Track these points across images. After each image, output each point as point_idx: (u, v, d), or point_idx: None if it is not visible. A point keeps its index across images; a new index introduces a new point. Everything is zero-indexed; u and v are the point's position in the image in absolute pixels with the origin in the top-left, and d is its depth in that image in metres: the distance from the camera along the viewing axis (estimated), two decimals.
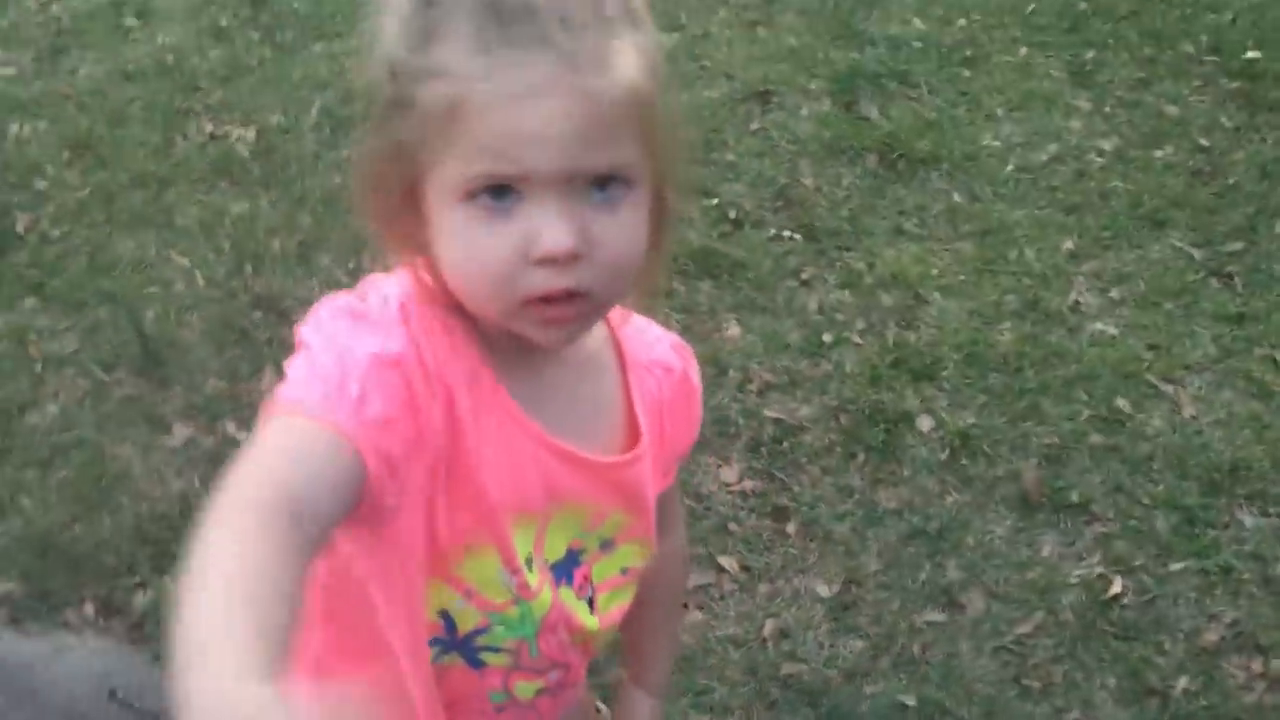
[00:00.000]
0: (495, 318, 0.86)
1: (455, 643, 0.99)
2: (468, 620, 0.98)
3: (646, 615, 1.16)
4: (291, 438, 0.79)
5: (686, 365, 1.08)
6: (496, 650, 1.00)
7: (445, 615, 0.98)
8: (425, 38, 0.81)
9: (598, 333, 1.00)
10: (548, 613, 1.00)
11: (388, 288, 0.90)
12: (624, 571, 1.07)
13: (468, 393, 0.89)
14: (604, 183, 0.82)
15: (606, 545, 1.04)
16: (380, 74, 0.84)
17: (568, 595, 1.02)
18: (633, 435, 1.01)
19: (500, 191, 0.80)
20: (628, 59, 0.81)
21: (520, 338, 0.89)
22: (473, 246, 0.82)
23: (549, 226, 0.80)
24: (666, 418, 1.05)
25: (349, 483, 0.79)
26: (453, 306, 0.89)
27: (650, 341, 1.06)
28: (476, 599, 0.97)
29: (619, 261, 0.84)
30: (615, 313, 1.00)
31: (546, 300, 0.83)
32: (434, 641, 0.99)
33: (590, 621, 1.04)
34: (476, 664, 1.01)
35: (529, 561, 0.97)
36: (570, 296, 0.83)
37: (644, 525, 1.05)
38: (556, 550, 0.99)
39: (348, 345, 0.84)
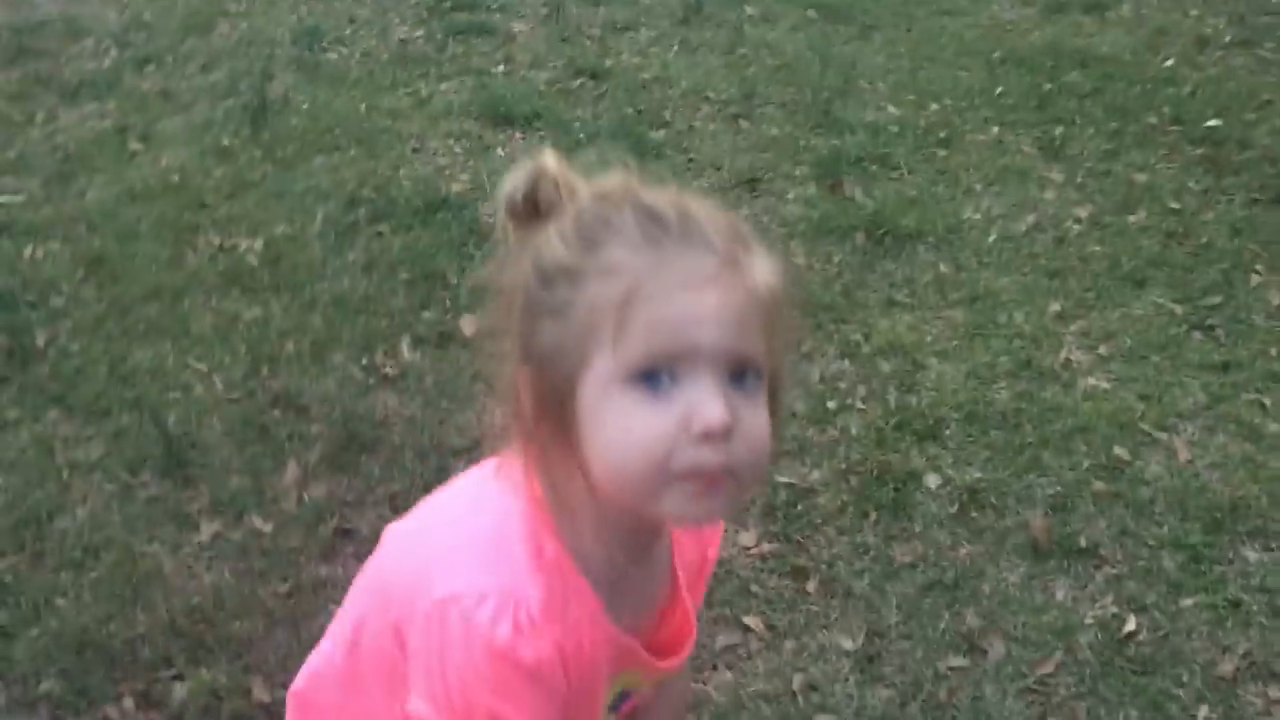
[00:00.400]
0: (642, 498, 0.92)
1: None
2: None
3: None
4: None
5: (712, 538, 1.18)
6: None
7: None
8: (591, 244, 0.91)
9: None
10: None
11: (523, 579, 0.96)
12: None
13: (590, 638, 1.00)
14: (742, 374, 0.91)
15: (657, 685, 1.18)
16: (526, 285, 0.94)
17: None
18: (674, 599, 1.13)
19: (656, 378, 0.89)
20: (768, 267, 0.94)
21: (636, 539, 0.99)
22: (635, 425, 0.89)
23: (709, 401, 0.88)
24: (688, 579, 1.15)
25: None
26: (566, 527, 0.98)
27: None
28: None
29: (758, 446, 0.92)
30: None
31: (699, 476, 0.90)
32: None
33: None
34: None
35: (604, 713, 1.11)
36: (721, 474, 0.90)
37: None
38: (614, 692, 1.11)
39: (500, 711, 0.97)
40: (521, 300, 0.94)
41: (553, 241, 0.93)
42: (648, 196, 0.94)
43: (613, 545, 0.99)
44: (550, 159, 0.97)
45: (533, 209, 0.96)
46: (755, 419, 0.92)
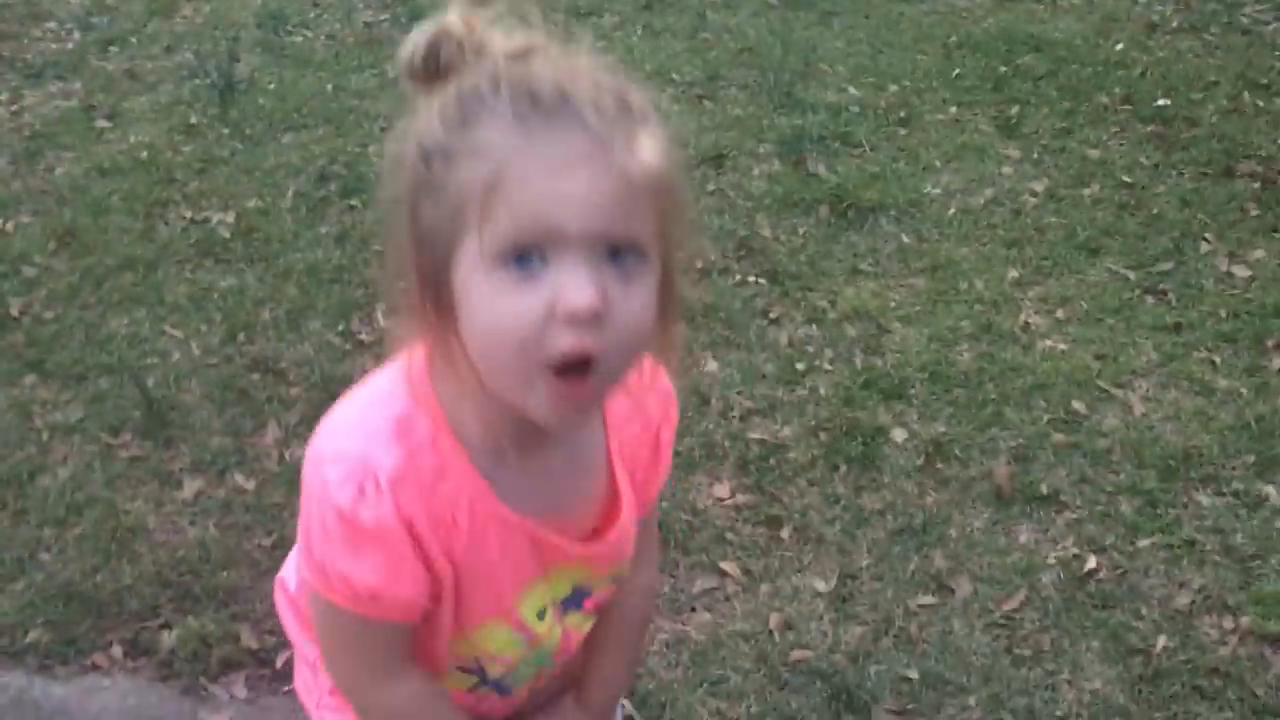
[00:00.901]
0: (511, 391, 0.91)
1: (488, 682, 1.17)
2: (495, 669, 1.15)
3: (610, 640, 1.26)
4: (362, 639, 1.07)
5: (663, 420, 1.15)
6: (522, 681, 1.19)
7: (477, 662, 1.14)
8: (465, 123, 0.89)
9: None
10: (559, 643, 1.17)
11: (377, 448, 0.98)
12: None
13: (468, 514, 1.00)
14: (620, 255, 0.88)
15: (615, 579, 1.18)
16: (411, 161, 0.91)
17: (576, 619, 1.17)
18: (615, 495, 1.11)
19: (526, 259, 0.86)
20: (651, 144, 0.90)
21: (522, 427, 0.96)
22: (501, 308, 0.87)
23: (575, 283, 0.86)
24: (639, 468, 1.15)
25: (408, 631, 1.07)
26: (450, 404, 0.98)
27: (636, 393, 1.08)
28: (498, 661, 1.14)
29: (632, 329, 0.90)
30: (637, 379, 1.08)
31: (563, 372, 0.88)
32: (472, 677, 1.16)
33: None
34: (506, 693, 1.20)
35: (541, 613, 1.12)
36: (585, 368, 0.88)
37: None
38: (562, 590, 1.13)
39: (348, 571, 1.00)
40: (409, 176, 0.92)
41: (433, 119, 0.90)
42: (532, 71, 0.89)
43: (498, 431, 0.98)
44: (454, 18, 0.93)
45: (435, 71, 0.93)
46: (632, 301, 0.89)
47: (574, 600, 1.14)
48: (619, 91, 0.91)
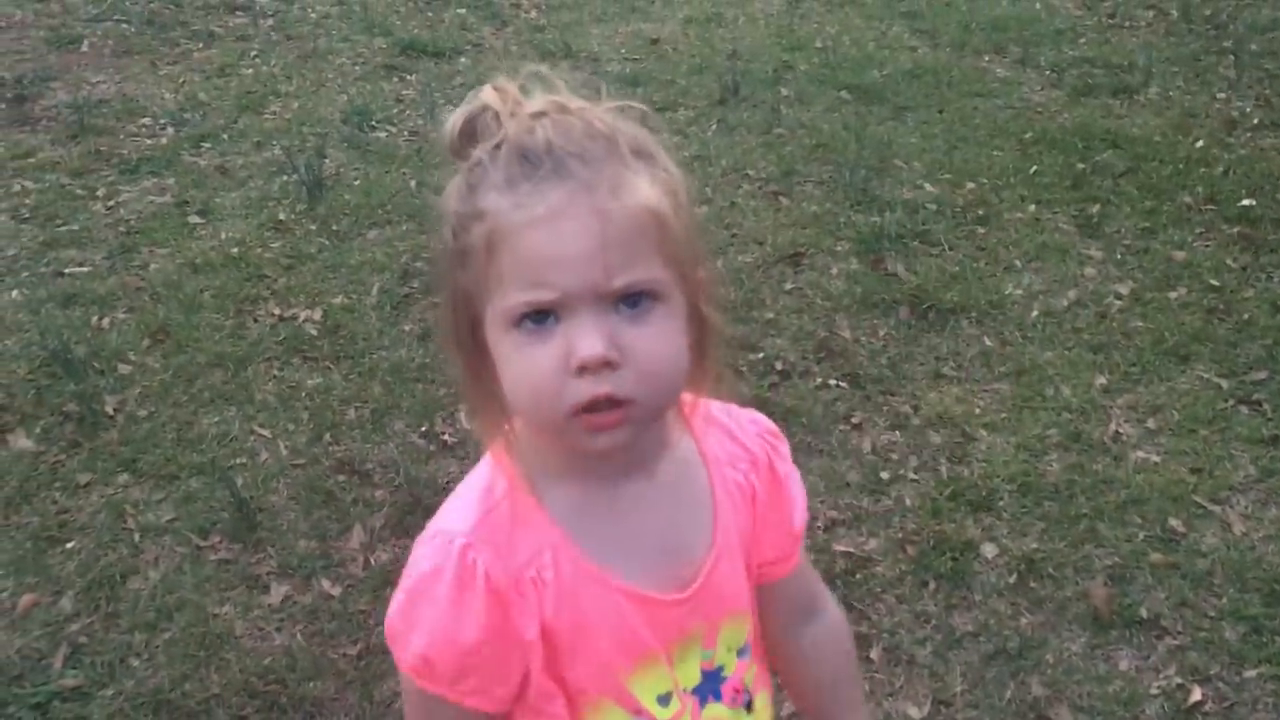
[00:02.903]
0: (551, 434, 0.96)
1: None
2: None
3: (831, 691, 1.21)
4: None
5: (772, 453, 1.13)
6: None
7: None
8: (471, 190, 0.93)
9: (680, 443, 1.07)
10: None
11: (458, 516, 1.01)
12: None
13: (553, 569, 0.99)
14: (633, 300, 0.91)
15: (743, 652, 1.12)
16: (445, 234, 0.97)
17: (717, 711, 1.10)
18: (713, 535, 1.08)
19: (541, 316, 0.91)
20: (640, 184, 0.92)
21: (588, 469, 1.00)
22: (522, 366, 0.92)
23: (582, 337, 0.90)
24: (761, 508, 1.12)
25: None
26: (524, 461, 1.00)
27: (732, 431, 1.12)
28: None
29: (654, 367, 0.92)
30: (694, 412, 1.08)
31: (590, 409, 0.91)
32: None
33: None
34: None
35: (664, 698, 1.06)
36: (612, 403, 0.91)
37: (753, 626, 1.14)
38: (692, 677, 1.08)
39: (439, 637, 0.99)
40: (445, 246, 0.97)
41: (451, 191, 0.96)
42: (532, 132, 0.92)
43: (570, 469, 1.00)
44: (488, 90, 0.96)
45: (472, 143, 0.96)
46: (649, 342, 0.92)
47: (710, 686, 1.09)
48: (611, 137, 0.93)
